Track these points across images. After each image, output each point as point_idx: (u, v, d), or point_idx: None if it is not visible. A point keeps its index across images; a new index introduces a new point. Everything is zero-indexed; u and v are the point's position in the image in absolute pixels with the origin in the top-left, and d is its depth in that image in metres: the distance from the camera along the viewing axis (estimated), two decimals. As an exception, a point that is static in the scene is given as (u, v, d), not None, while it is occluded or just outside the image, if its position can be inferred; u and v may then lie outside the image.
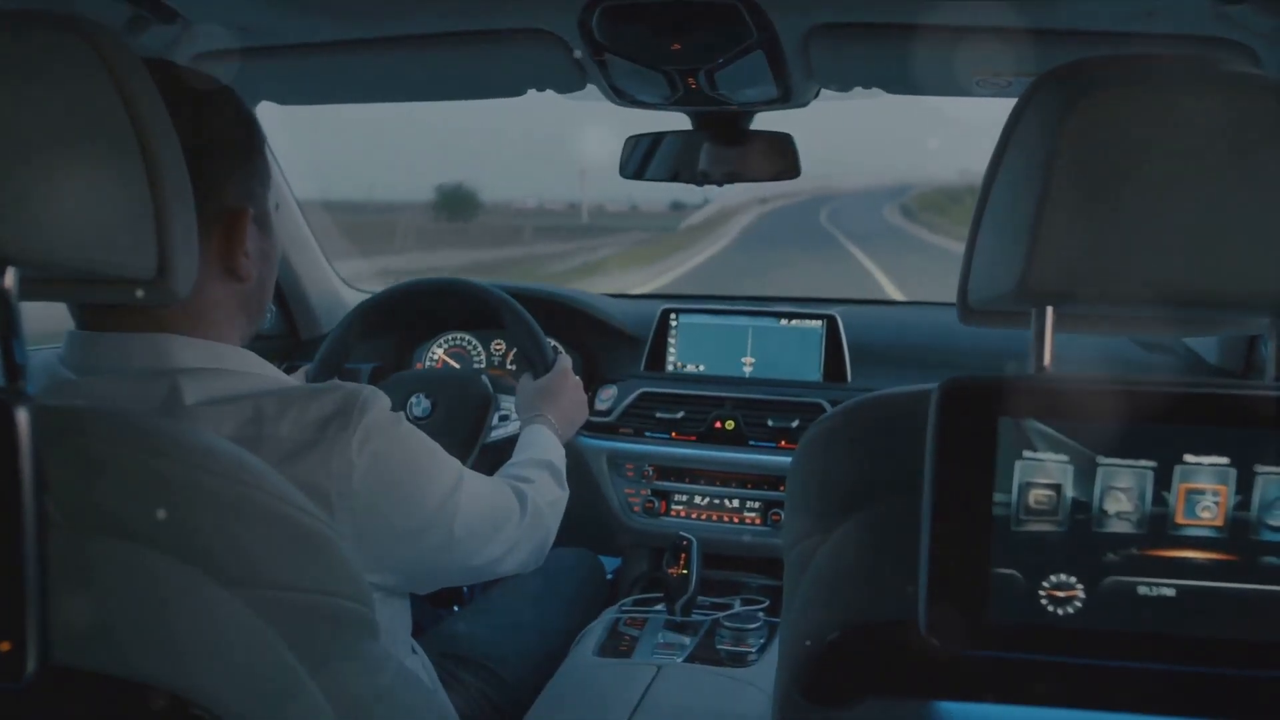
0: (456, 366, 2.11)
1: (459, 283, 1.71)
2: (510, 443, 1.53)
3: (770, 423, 1.90)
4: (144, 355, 0.86)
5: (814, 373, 1.95)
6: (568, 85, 1.45)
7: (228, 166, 0.91)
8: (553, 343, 1.96)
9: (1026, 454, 0.56)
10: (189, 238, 0.70)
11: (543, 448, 1.37)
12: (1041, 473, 0.56)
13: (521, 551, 1.14)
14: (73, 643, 0.57)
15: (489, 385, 1.65)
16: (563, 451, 1.41)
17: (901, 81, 1.44)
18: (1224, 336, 1.75)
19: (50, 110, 0.60)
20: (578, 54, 1.30)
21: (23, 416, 0.53)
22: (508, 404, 1.68)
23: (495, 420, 1.67)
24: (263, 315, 1.01)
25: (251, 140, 0.95)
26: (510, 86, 1.51)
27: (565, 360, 1.59)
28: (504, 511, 1.11)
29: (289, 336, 2.16)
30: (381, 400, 0.91)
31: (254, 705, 0.65)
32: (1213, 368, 1.82)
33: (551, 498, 1.25)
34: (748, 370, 1.99)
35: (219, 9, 1.21)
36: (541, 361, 1.58)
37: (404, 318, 2.08)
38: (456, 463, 1.03)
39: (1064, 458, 0.56)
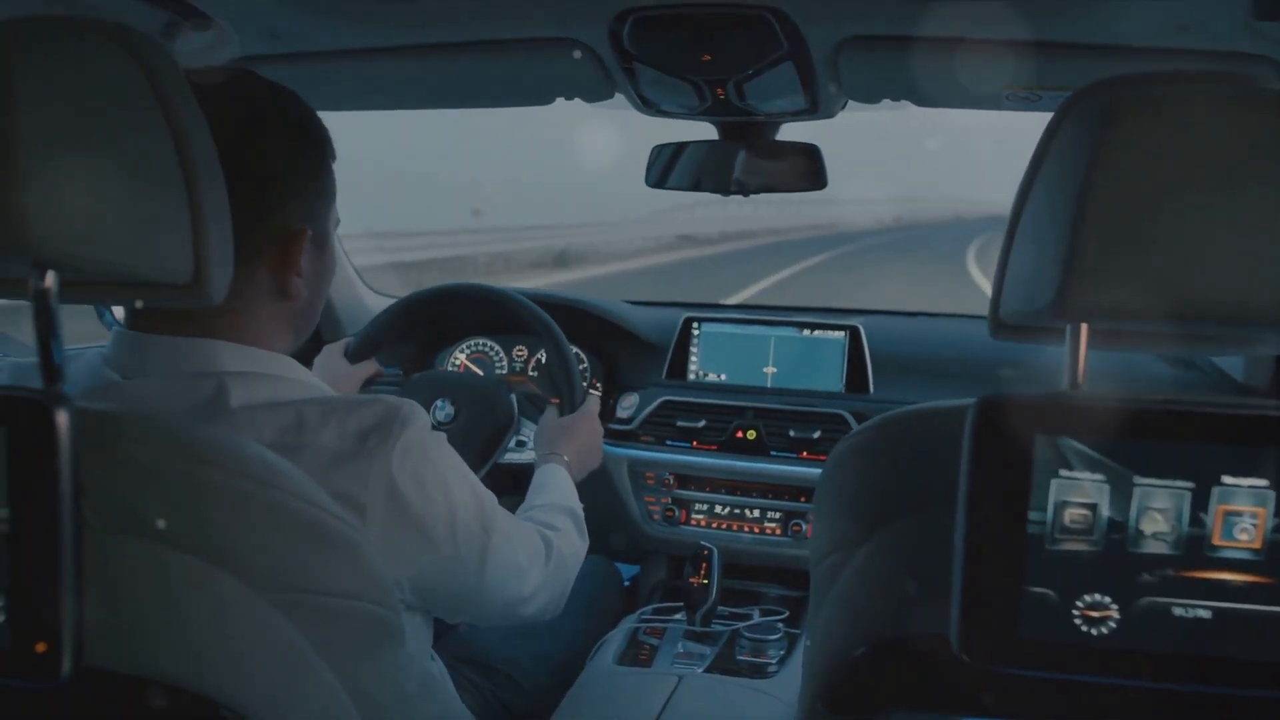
0: (479, 373, 2.11)
1: (511, 298, 1.69)
2: (521, 470, 1.52)
3: (792, 433, 1.89)
4: (191, 359, 0.86)
5: (836, 383, 1.95)
6: (596, 94, 1.46)
7: (292, 185, 0.91)
8: (585, 378, 1.96)
9: (1063, 472, 0.56)
10: (224, 242, 0.70)
11: (564, 493, 1.35)
12: (1077, 491, 0.56)
13: (543, 597, 1.12)
14: (105, 644, 0.58)
15: (515, 407, 1.64)
16: (577, 497, 1.38)
17: (930, 94, 1.43)
18: (1252, 354, 1.73)
19: (90, 115, 0.60)
20: (607, 63, 1.31)
21: (62, 418, 0.54)
22: (527, 430, 1.67)
23: (513, 443, 1.66)
24: (309, 331, 1.01)
25: (319, 158, 0.95)
26: (539, 94, 1.52)
27: (594, 403, 1.58)
28: (531, 554, 1.10)
29: (312, 340, 2.17)
30: (421, 417, 0.90)
31: (281, 708, 0.65)
32: (1239, 385, 1.80)
33: (574, 548, 1.23)
34: (770, 380, 1.99)
35: (253, 16, 1.22)
36: (570, 400, 1.57)
37: (443, 318, 2.08)
38: (491, 496, 1.02)
39: (1100, 477, 0.56)
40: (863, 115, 1.53)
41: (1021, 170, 0.69)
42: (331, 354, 1.66)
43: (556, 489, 1.35)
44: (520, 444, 1.71)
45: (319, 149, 0.95)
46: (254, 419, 0.83)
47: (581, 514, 1.32)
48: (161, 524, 0.64)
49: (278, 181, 0.89)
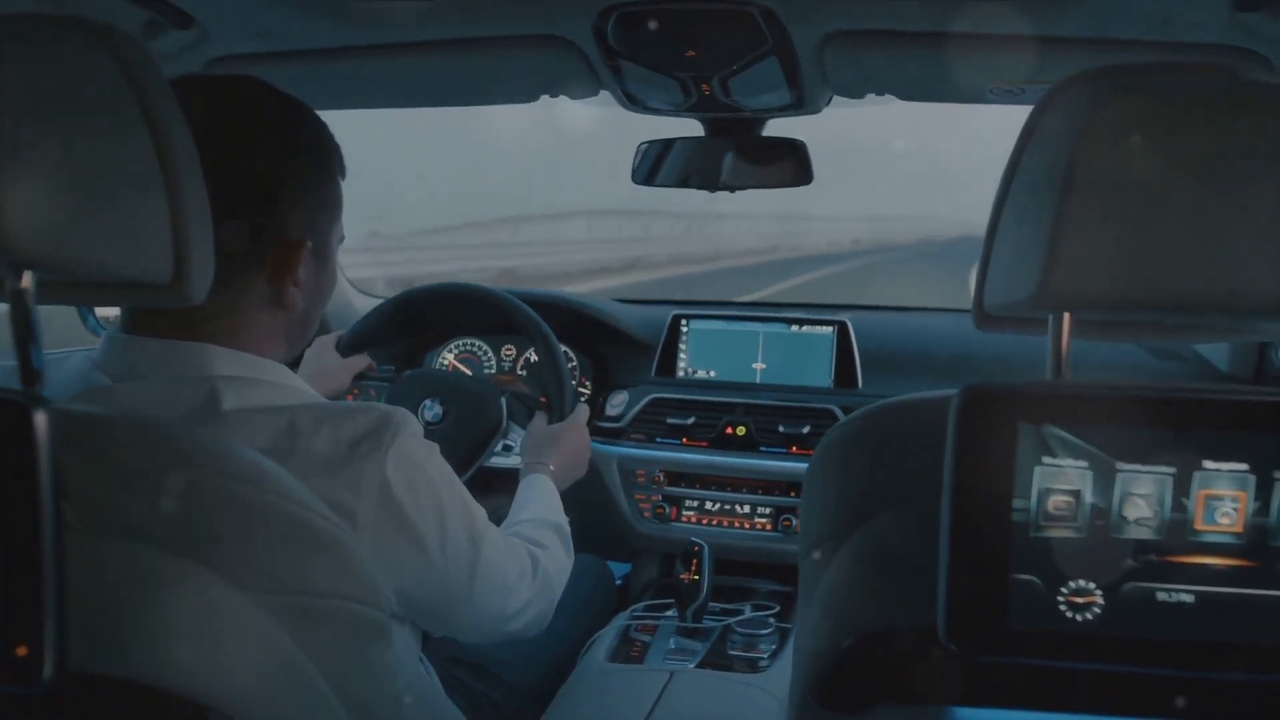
0: (468, 373, 2.11)
1: (507, 300, 1.68)
2: (505, 474, 1.51)
3: (781, 428, 1.90)
4: (182, 362, 0.86)
5: (825, 379, 1.95)
6: (581, 91, 1.46)
7: (294, 196, 0.90)
8: (574, 376, 1.95)
9: (1046, 460, 0.56)
10: (204, 241, 0.70)
11: (550, 507, 1.35)
12: (1061, 479, 0.56)
13: (529, 614, 1.12)
14: (89, 647, 0.57)
15: (504, 411, 1.64)
16: (562, 510, 1.37)
17: (916, 89, 1.44)
18: (1235, 342, 1.74)
19: (67, 114, 0.60)
20: (592, 60, 1.31)
21: (41, 420, 0.53)
22: (515, 435, 1.67)
23: (499, 447, 1.66)
24: (305, 342, 1.00)
25: (325, 171, 0.94)
26: (524, 92, 1.51)
27: (583, 412, 1.57)
28: (519, 570, 1.09)
29: None
30: (414, 425, 0.90)
31: (269, 710, 0.65)
32: (1223, 374, 1.81)
33: (560, 565, 1.22)
34: (759, 376, 1.99)
35: (234, 15, 1.22)
36: (560, 408, 1.56)
37: (437, 317, 2.07)
38: (482, 510, 1.02)
39: (1083, 464, 0.56)
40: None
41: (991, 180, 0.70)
42: (323, 346, 1.65)
43: (543, 502, 1.35)
44: (507, 448, 1.71)
45: (325, 161, 0.94)
46: (246, 423, 0.83)
47: (568, 529, 1.31)
48: (146, 525, 0.64)
49: (279, 190, 0.89)
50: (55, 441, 0.54)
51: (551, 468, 1.43)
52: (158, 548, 0.63)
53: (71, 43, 0.61)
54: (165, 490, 0.65)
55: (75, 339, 1.77)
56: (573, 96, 1.49)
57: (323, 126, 0.94)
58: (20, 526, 0.53)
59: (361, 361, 1.68)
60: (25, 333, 0.59)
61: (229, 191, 0.79)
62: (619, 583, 1.99)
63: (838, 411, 1.88)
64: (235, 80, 0.91)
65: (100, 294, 0.71)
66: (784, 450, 1.89)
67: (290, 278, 0.90)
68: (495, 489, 1.39)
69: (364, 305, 2.22)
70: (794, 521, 1.85)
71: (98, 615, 0.59)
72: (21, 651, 0.53)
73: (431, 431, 1.55)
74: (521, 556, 1.11)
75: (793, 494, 1.87)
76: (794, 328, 1.99)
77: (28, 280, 0.59)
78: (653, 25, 1.20)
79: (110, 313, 1.70)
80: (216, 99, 0.88)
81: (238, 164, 0.85)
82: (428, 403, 1.64)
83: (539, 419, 1.56)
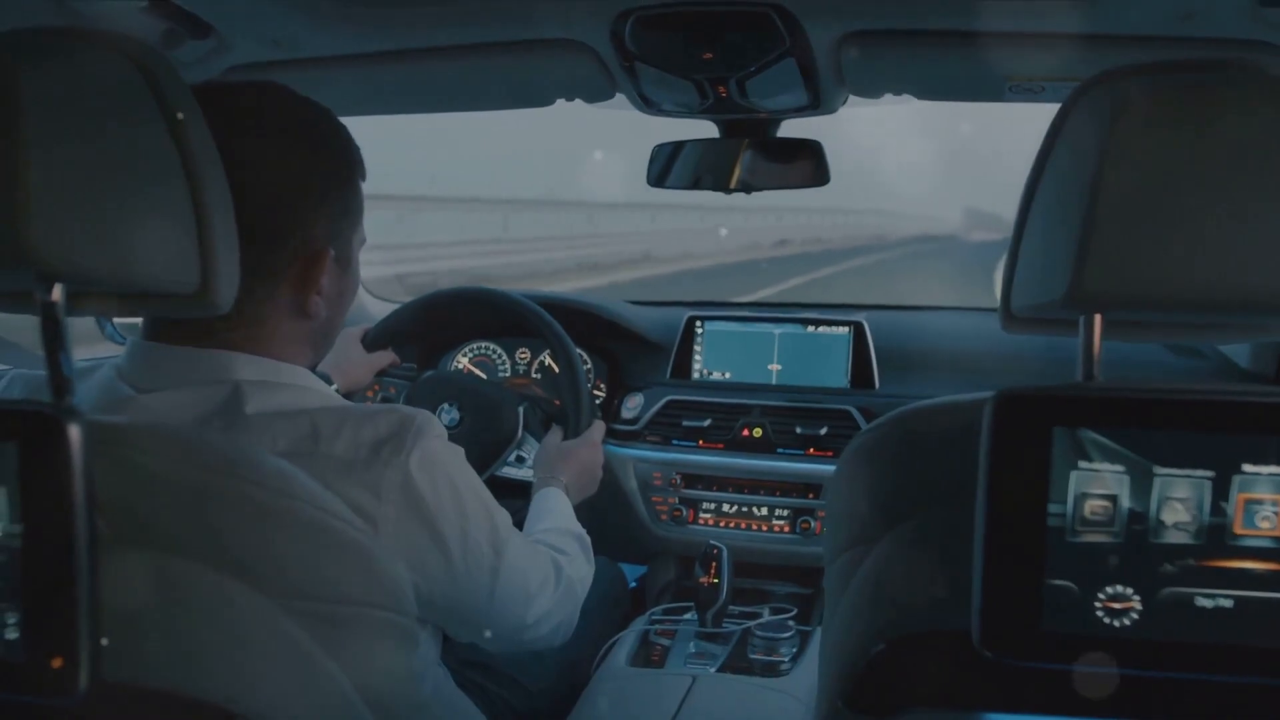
0: (482, 376, 2.11)
1: (535, 312, 1.67)
2: (516, 486, 1.52)
3: (798, 430, 1.89)
4: (206, 369, 0.86)
5: (841, 379, 1.94)
6: (597, 94, 1.46)
7: (317, 205, 0.90)
8: (589, 379, 1.94)
9: (1082, 464, 0.56)
10: (230, 250, 0.70)
11: (567, 517, 1.34)
12: (1097, 483, 0.56)
13: (551, 621, 1.11)
14: (120, 657, 0.58)
15: (520, 422, 1.64)
16: (577, 522, 1.37)
17: (933, 87, 1.43)
18: (1258, 340, 1.73)
19: (94, 127, 0.60)
20: (609, 63, 1.30)
21: (74, 432, 0.53)
22: (529, 447, 1.67)
23: (512, 458, 1.66)
24: (328, 348, 1.00)
25: (348, 177, 0.94)
26: (540, 96, 1.51)
27: (599, 429, 1.57)
28: (542, 577, 1.08)
29: None
30: (437, 428, 0.90)
31: (297, 716, 0.65)
32: (1244, 371, 1.80)
33: (582, 574, 1.22)
34: (774, 377, 1.98)
35: (252, 23, 1.22)
36: (576, 425, 1.56)
37: (461, 320, 2.07)
38: (506, 516, 1.01)
39: (1120, 468, 0.56)
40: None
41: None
42: (349, 339, 1.66)
43: (560, 514, 1.35)
44: (520, 460, 1.71)
45: (348, 168, 0.94)
46: (268, 426, 0.83)
47: (588, 539, 1.31)
48: (171, 534, 0.64)
49: (303, 200, 0.89)
50: (87, 453, 0.54)
51: (565, 481, 1.43)
52: (184, 556, 0.64)
53: (95, 55, 0.62)
54: (192, 500, 0.65)
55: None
56: (588, 100, 1.49)
57: (344, 131, 0.94)
58: (54, 538, 0.53)
59: (386, 357, 1.69)
60: (56, 344, 0.60)
61: (252, 201, 0.79)
62: (633, 585, 1.99)
63: (855, 412, 1.87)
64: (258, 86, 0.91)
65: (128, 305, 0.72)
66: (801, 452, 1.88)
67: (313, 287, 0.90)
68: (506, 499, 1.39)
69: (375, 307, 2.22)
70: (812, 524, 1.84)
71: (126, 625, 0.59)
72: (57, 663, 0.53)
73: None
74: (545, 564, 1.11)
75: (810, 496, 1.86)
76: (809, 328, 1.98)
77: (58, 293, 0.59)
78: (670, 28, 1.20)
79: (130, 320, 1.71)
80: (239, 106, 0.88)
81: (260, 173, 0.85)
82: (445, 407, 1.64)
83: (554, 434, 1.56)
